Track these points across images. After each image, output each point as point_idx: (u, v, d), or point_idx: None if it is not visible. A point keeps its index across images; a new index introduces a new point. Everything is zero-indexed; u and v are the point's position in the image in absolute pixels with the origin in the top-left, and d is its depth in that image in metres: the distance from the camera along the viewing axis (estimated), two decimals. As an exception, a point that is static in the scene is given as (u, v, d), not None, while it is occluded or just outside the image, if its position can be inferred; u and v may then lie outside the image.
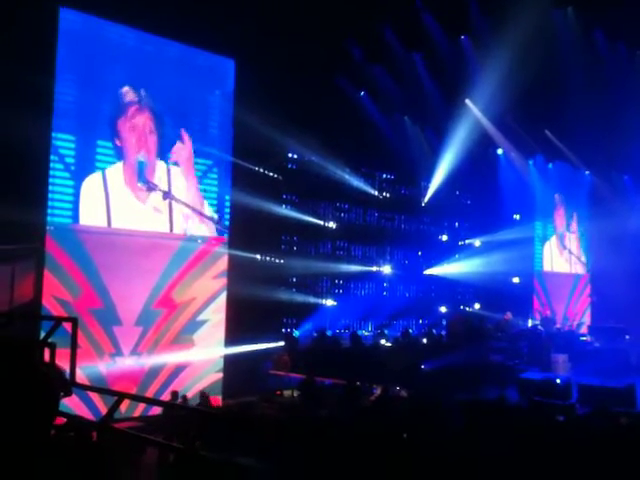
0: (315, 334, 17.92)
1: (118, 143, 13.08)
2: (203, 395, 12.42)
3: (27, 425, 2.87)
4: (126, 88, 13.19)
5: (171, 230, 13.77)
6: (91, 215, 12.59)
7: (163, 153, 13.71)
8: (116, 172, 13.00)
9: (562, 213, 24.99)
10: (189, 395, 12.67)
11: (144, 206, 13.32)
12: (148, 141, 13.45)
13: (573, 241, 25.57)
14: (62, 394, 4.25)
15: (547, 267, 24.27)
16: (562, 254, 25.03)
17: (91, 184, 12.65)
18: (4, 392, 2.85)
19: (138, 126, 13.33)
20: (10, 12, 10.70)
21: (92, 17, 12.69)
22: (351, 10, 16.01)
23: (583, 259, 25.89)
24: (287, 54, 14.93)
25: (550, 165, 24.31)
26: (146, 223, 13.36)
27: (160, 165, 13.65)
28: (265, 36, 14.16)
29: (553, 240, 24.70)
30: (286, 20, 14.45)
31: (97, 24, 12.86)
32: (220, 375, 14.29)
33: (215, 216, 14.49)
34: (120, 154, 13.09)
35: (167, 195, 13.59)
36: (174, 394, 12.13)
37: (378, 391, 13.90)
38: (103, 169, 12.83)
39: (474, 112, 20.58)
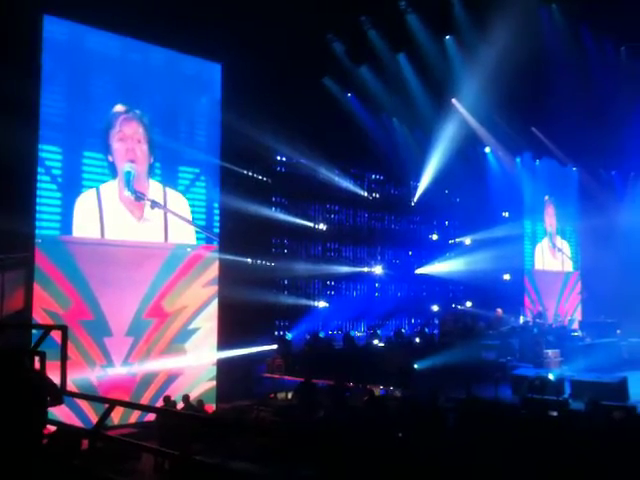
0: (308, 336, 17.92)
1: (110, 159, 13.03)
2: (186, 399, 12.33)
3: (17, 432, 2.86)
4: (118, 105, 13.18)
5: (166, 240, 13.74)
6: (85, 230, 12.56)
7: (153, 163, 13.67)
8: (110, 188, 12.98)
9: (552, 212, 25.06)
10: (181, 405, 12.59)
11: (136, 217, 13.28)
12: (138, 150, 13.41)
13: (563, 241, 25.65)
14: (52, 402, 4.24)
15: (538, 266, 24.34)
16: (552, 253, 25.11)
17: (85, 200, 12.61)
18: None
19: (127, 134, 13.30)
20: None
21: (77, 26, 12.63)
22: (336, 12, 16.04)
23: (572, 257, 25.97)
24: (274, 57, 14.93)
25: (537, 162, 24.40)
26: (137, 234, 13.32)
27: (153, 182, 13.67)
28: (252, 40, 14.14)
29: (544, 240, 24.77)
30: (272, 23, 14.44)
31: (82, 34, 12.80)
32: (213, 383, 14.22)
33: (204, 224, 14.47)
34: (113, 171, 13.05)
35: (155, 204, 13.56)
36: (167, 399, 12.06)
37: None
38: (97, 187, 12.79)
39: (461, 111, 20.65)
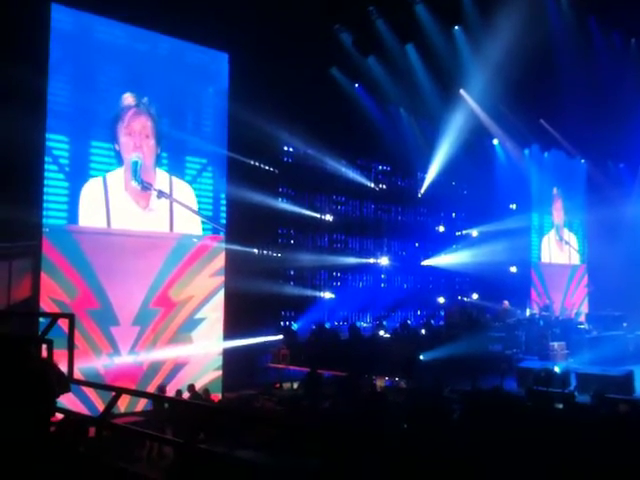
0: (314, 327, 17.94)
1: (117, 148, 13.05)
2: (192, 389, 12.38)
3: (25, 420, 2.87)
4: (126, 94, 13.16)
5: (171, 230, 13.77)
6: (91, 218, 12.60)
7: (160, 153, 13.68)
8: (117, 177, 13.00)
9: (560, 206, 24.97)
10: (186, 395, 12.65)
11: (142, 207, 13.31)
12: (145, 146, 13.42)
13: (570, 234, 25.57)
14: (60, 390, 4.26)
15: (545, 258, 24.29)
16: (559, 246, 25.04)
17: (91, 189, 12.63)
18: (1, 388, 2.85)
19: (136, 130, 13.30)
20: (1, 10, 10.63)
21: (84, 15, 12.61)
22: (344, 2, 15.97)
23: (579, 250, 25.90)
24: (281, 47, 14.89)
25: (546, 154, 24.29)
26: (143, 223, 13.35)
27: (160, 171, 13.68)
28: (259, 29, 14.11)
29: (551, 232, 24.71)
30: (280, 12, 14.40)
31: (89, 23, 12.78)
32: (219, 372, 14.28)
33: (210, 214, 14.49)
34: (120, 160, 13.06)
35: (162, 194, 13.57)
36: (161, 388, 12.11)
37: (378, 382, 13.96)
38: (104, 174, 12.81)
39: (469, 102, 20.55)
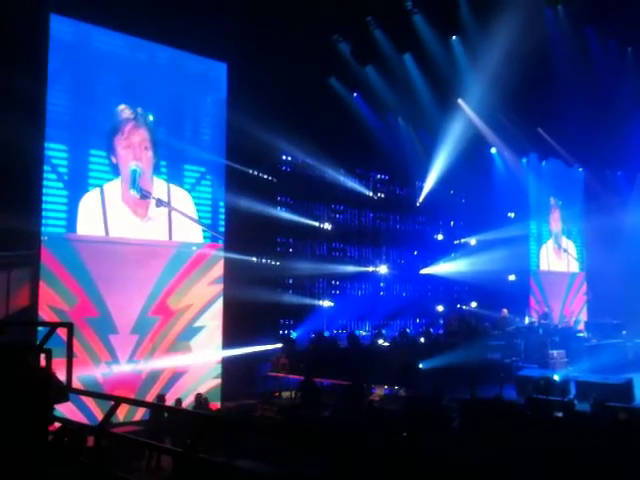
0: (313, 335, 17.91)
1: (114, 160, 13.07)
2: (198, 397, 12.38)
3: (23, 429, 2.87)
4: (122, 106, 13.19)
5: (170, 238, 13.78)
6: (89, 228, 12.61)
7: (158, 164, 13.71)
8: (114, 189, 13.01)
9: (558, 214, 25.00)
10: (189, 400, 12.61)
11: (140, 216, 13.32)
12: (144, 158, 13.45)
13: (569, 241, 25.60)
14: (58, 399, 4.26)
15: (543, 266, 24.30)
16: (557, 254, 25.05)
17: (89, 201, 12.65)
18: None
19: (134, 142, 13.35)
20: (0, 20, 10.68)
21: (83, 26, 12.68)
22: (342, 12, 16.04)
23: (578, 258, 25.92)
24: (279, 56, 14.94)
25: (543, 163, 24.35)
26: (141, 232, 13.36)
27: (158, 180, 13.70)
28: (258, 39, 14.16)
29: (549, 240, 24.72)
30: (278, 22, 14.47)
31: (88, 33, 12.86)
32: (218, 381, 14.26)
33: (209, 223, 14.51)
34: (117, 171, 13.09)
35: (160, 202, 13.59)
36: (160, 397, 12.09)
37: (377, 391, 13.94)
38: (101, 186, 12.82)
39: (467, 112, 20.61)
